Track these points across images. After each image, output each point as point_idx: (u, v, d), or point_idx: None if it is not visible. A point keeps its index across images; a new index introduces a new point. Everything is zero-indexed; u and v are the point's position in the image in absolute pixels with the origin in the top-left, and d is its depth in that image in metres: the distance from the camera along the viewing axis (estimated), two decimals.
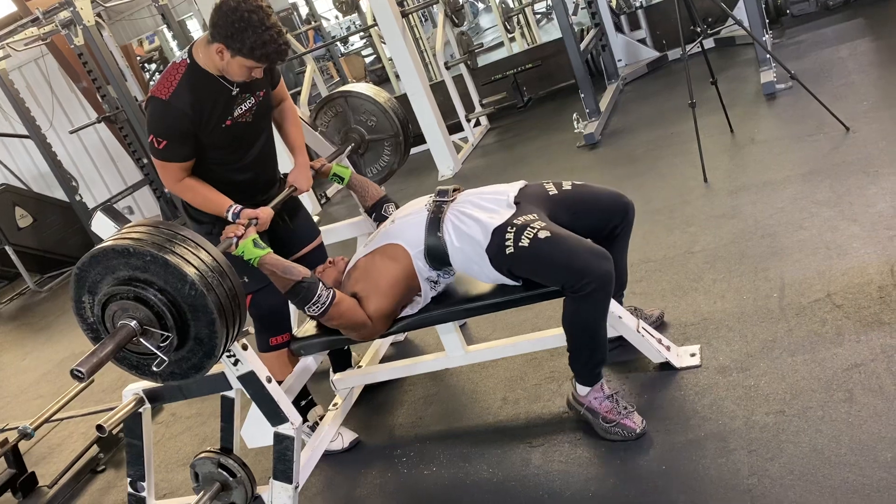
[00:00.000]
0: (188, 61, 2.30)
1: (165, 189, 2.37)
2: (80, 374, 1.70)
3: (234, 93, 2.34)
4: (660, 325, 2.64)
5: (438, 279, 2.37)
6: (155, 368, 1.91)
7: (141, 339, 1.84)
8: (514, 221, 2.16)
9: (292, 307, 2.66)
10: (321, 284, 2.23)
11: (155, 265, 1.81)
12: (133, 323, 1.83)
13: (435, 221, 2.29)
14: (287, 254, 2.56)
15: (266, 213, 2.39)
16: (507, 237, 2.14)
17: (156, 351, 1.86)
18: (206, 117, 2.30)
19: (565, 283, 2.07)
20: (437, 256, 2.28)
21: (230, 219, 2.37)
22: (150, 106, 2.30)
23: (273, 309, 2.54)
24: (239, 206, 2.39)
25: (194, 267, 1.84)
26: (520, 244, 2.11)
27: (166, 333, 1.85)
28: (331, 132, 3.11)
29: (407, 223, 2.35)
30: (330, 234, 3.14)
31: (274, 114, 2.61)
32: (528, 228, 2.12)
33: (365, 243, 2.50)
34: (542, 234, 2.09)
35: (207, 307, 1.83)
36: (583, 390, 2.21)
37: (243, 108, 2.38)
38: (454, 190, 2.39)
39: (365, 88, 3.08)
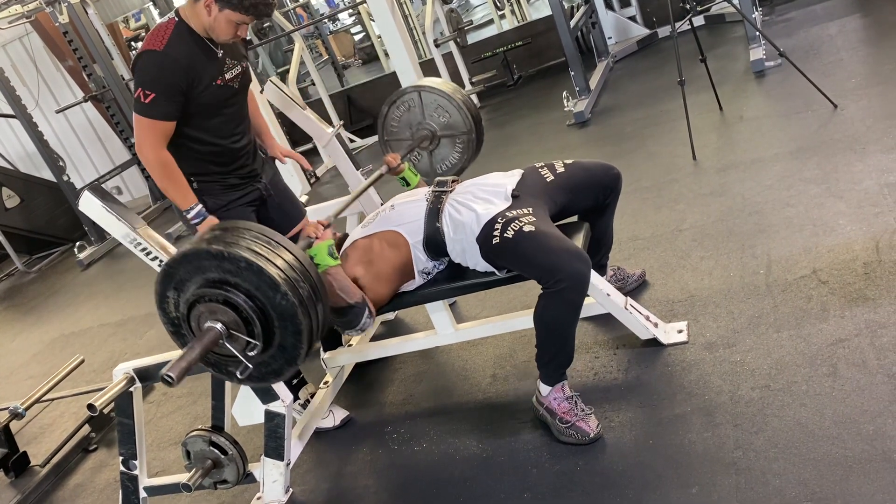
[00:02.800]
0: (176, 19, 2.31)
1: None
2: (170, 380, 1.66)
3: (219, 55, 2.37)
4: (641, 283, 2.78)
5: (433, 270, 2.39)
6: (238, 374, 1.86)
7: (226, 343, 1.80)
8: (507, 213, 2.19)
9: None
10: (367, 311, 2.22)
11: (249, 272, 1.76)
12: (219, 326, 1.78)
13: (434, 212, 2.31)
14: None
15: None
16: (495, 228, 2.16)
17: (239, 356, 1.81)
18: (199, 70, 2.30)
19: (541, 278, 2.09)
20: (436, 247, 2.30)
21: (192, 217, 2.37)
22: (143, 59, 2.28)
23: None
24: (203, 209, 2.38)
25: (286, 276, 1.78)
26: (505, 235, 2.14)
27: (253, 341, 1.80)
28: (402, 127, 3.06)
29: (406, 211, 2.37)
30: (319, 212, 3.14)
31: None
32: (517, 221, 2.15)
33: (363, 223, 2.50)
34: (527, 229, 2.12)
35: (297, 317, 1.78)
36: (545, 390, 2.21)
37: (232, 73, 2.41)
38: (452, 181, 2.41)
39: (439, 84, 3.01)
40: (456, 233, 2.26)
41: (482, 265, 2.26)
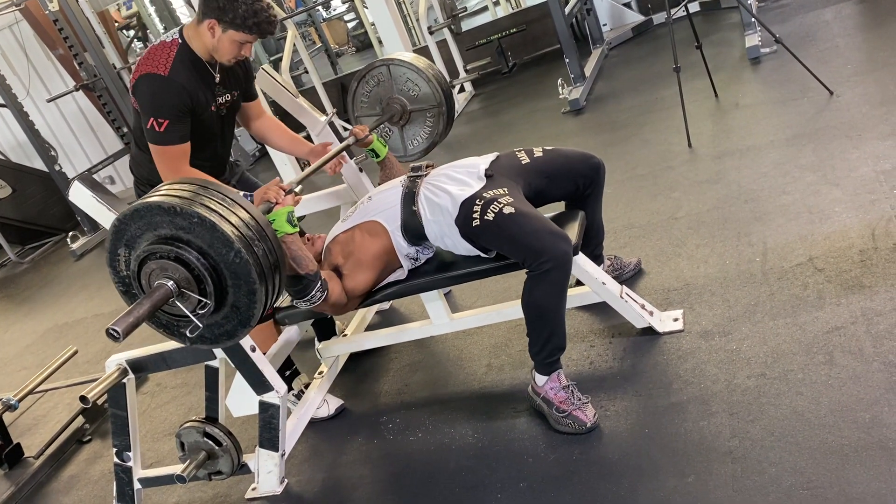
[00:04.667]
0: (180, 41, 2.31)
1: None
2: (115, 334, 1.62)
3: (217, 80, 2.39)
4: (637, 272, 2.77)
5: (417, 255, 2.37)
6: (188, 334, 1.83)
7: (177, 302, 1.77)
8: (483, 194, 2.18)
9: None
10: (319, 284, 2.19)
11: (201, 227, 1.73)
12: (170, 284, 1.75)
13: (410, 196, 2.31)
14: None
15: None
16: (474, 209, 2.15)
17: (190, 315, 1.78)
18: (199, 95, 2.32)
19: (525, 260, 2.09)
20: (414, 231, 2.29)
21: None
22: (147, 84, 2.26)
23: None
24: None
25: (241, 233, 1.75)
26: (485, 217, 2.13)
27: (204, 300, 1.77)
28: (372, 101, 3.03)
29: (383, 200, 2.36)
30: (313, 202, 3.12)
31: (256, 126, 2.71)
32: (495, 203, 2.14)
33: (343, 217, 2.49)
34: (507, 210, 2.11)
35: (250, 276, 1.76)
36: (540, 380, 2.20)
37: (224, 99, 2.44)
38: (427, 166, 2.41)
39: (409, 57, 2.99)
40: (433, 215, 2.25)
41: (462, 247, 2.25)
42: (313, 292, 2.18)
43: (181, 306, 1.78)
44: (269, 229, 1.86)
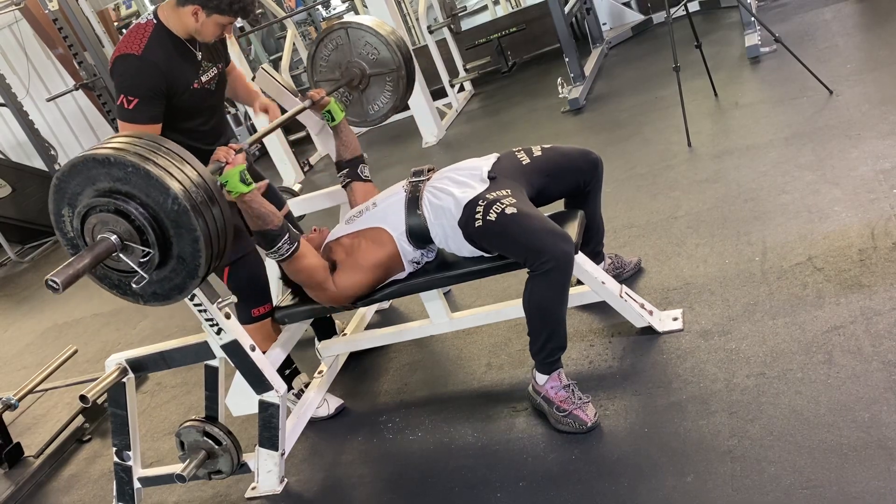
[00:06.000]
0: (155, 22, 2.31)
1: None
2: (54, 285, 1.62)
3: (198, 57, 2.39)
4: (637, 271, 2.78)
5: (421, 259, 2.38)
6: (134, 285, 1.83)
7: (121, 255, 1.76)
8: (487, 196, 2.18)
9: (271, 276, 2.66)
10: (287, 237, 2.21)
11: (136, 176, 1.73)
12: (113, 237, 1.75)
13: (413, 201, 2.31)
14: None
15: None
16: (476, 210, 2.16)
17: (136, 268, 1.78)
18: (177, 75, 2.31)
19: (526, 260, 2.09)
20: (419, 235, 2.30)
21: None
22: (121, 64, 2.27)
23: (252, 279, 2.53)
24: None
25: (178, 181, 1.75)
26: (487, 218, 2.13)
27: (147, 249, 1.77)
28: (331, 66, 2.99)
29: (388, 206, 2.37)
30: (312, 201, 3.12)
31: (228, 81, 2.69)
32: (498, 203, 2.14)
33: (346, 219, 2.49)
34: (509, 211, 2.12)
35: (191, 223, 1.76)
36: (541, 379, 2.21)
37: (209, 75, 2.44)
38: (429, 170, 2.41)
39: (368, 20, 2.96)
40: (437, 218, 2.26)
41: (466, 249, 2.25)
42: (280, 244, 2.21)
43: (127, 260, 1.77)
44: (208, 175, 1.86)
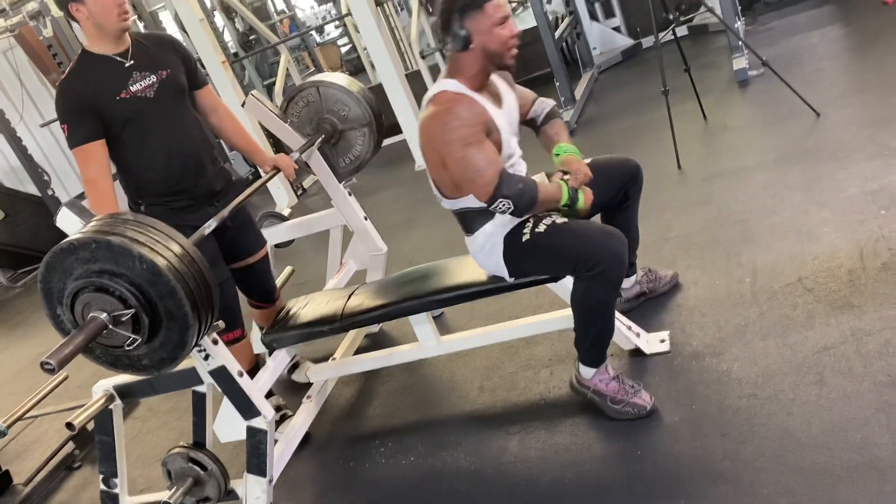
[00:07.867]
0: (80, 52, 2.37)
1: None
2: (49, 367, 1.65)
3: (126, 65, 2.36)
4: (674, 285, 2.71)
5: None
6: (128, 348, 1.85)
7: (114, 329, 1.79)
8: (537, 213, 2.19)
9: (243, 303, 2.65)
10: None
11: (101, 250, 1.77)
12: (103, 315, 1.77)
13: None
14: (232, 261, 2.60)
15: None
16: (525, 226, 2.17)
17: (129, 335, 1.80)
18: (100, 89, 2.31)
19: (578, 265, 2.07)
20: (465, 223, 2.26)
21: None
22: (55, 96, 2.34)
23: (223, 306, 2.50)
24: None
25: (141, 243, 1.79)
26: (536, 230, 2.13)
27: (132, 311, 1.78)
28: (303, 122, 3.08)
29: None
30: (305, 225, 3.12)
31: (214, 122, 2.68)
32: (548, 216, 2.16)
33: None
34: (560, 220, 2.14)
35: (163, 276, 1.76)
36: (587, 372, 2.22)
37: (143, 83, 2.37)
38: None
39: (338, 78, 3.05)
40: (494, 224, 2.22)
41: (494, 266, 2.23)
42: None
43: (121, 332, 1.80)
44: (170, 230, 1.88)
